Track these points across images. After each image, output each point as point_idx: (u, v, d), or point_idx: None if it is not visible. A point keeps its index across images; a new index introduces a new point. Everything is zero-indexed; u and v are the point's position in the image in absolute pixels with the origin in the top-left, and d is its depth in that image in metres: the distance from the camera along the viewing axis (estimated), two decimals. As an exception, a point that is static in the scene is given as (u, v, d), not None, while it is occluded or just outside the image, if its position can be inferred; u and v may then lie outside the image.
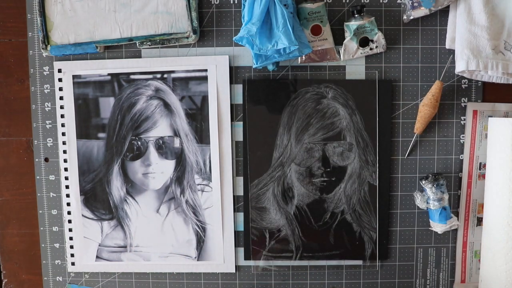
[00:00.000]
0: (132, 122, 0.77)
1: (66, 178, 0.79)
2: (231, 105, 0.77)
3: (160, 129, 0.77)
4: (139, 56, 0.77)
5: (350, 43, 0.74)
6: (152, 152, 0.77)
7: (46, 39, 0.76)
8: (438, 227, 0.75)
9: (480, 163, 0.77)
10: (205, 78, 0.76)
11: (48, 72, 0.78)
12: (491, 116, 0.75)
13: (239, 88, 0.77)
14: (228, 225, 0.79)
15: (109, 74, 0.77)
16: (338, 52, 0.75)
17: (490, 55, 0.70)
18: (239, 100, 0.77)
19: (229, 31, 0.76)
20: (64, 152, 0.79)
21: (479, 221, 0.78)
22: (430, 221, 0.77)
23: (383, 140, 0.77)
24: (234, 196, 0.79)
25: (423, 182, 0.75)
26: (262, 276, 0.80)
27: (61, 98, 0.78)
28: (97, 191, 0.79)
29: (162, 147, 0.77)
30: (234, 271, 0.80)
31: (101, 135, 0.78)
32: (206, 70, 0.76)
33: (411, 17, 0.73)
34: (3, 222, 0.82)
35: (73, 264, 0.81)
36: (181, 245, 0.79)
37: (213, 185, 0.78)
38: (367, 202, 0.77)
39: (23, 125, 0.80)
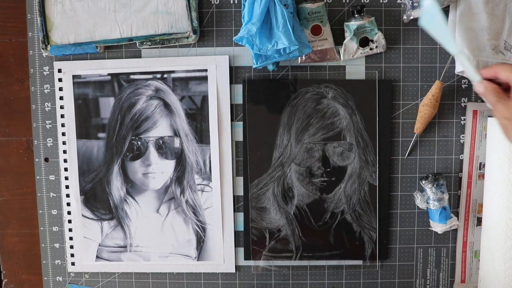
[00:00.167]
0: (132, 122, 0.77)
1: (66, 178, 0.79)
2: (231, 105, 0.77)
3: (160, 129, 0.77)
4: (139, 56, 0.77)
5: (350, 43, 0.74)
6: (152, 152, 0.77)
7: (46, 39, 0.75)
8: (438, 227, 0.75)
9: (480, 163, 0.77)
10: (205, 78, 0.76)
11: (48, 72, 0.78)
12: (490, 116, 0.75)
13: (239, 88, 0.77)
14: (228, 225, 0.79)
15: (109, 74, 0.77)
16: (338, 52, 0.75)
17: (490, 55, 0.70)
18: (239, 100, 0.77)
19: (229, 31, 0.76)
20: (64, 152, 0.79)
21: (479, 221, 0.78)
22: (430, 221, 0.77)
23: (383, 140, 0.77)
24: (234, 196, 0.78)
25: (423, 182, 0.75)
26: (262, 276, 0.80)
27: (61, 98, 0.78)
28: (97, 191, 0.79)
29: (162, 147, 0.77)
30: (234, 271, 0.80)
31: (101, 135, 0.78)
32: (206, 70, 0.76)
33: (411, 17, 0.73)
34: (3, 222, 0.82)
35: (73, 264, 0.81)
36: (181, 245, 0.79)
37: (213, 185, 0.78)
38: (367, 202, 0.77)
39: (23, 125, 0.80)
